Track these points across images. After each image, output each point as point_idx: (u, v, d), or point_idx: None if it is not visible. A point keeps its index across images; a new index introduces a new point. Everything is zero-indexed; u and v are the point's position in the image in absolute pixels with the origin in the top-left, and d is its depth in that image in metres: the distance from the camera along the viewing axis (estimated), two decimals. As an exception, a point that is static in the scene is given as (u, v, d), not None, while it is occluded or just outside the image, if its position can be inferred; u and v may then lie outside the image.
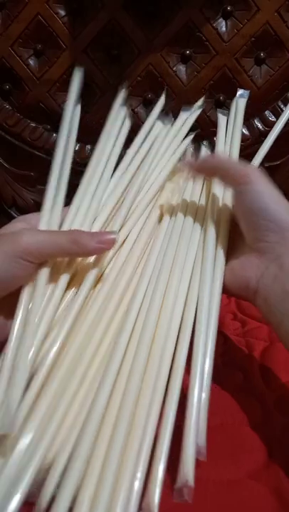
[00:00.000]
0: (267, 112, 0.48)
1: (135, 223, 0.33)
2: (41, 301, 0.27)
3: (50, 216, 0.31)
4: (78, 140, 0.49)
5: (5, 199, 0.50)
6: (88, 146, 0.49)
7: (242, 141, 0.49)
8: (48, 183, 0.32)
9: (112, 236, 0.28)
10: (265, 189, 0.29)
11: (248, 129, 0.48)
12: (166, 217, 0.34)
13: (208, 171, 0.33)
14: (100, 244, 0.28)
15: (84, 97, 0.47)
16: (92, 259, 0.29)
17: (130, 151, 0.37)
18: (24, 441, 0.21)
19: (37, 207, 0.51)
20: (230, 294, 0.31)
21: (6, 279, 0.26)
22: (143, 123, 0.47)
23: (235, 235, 0.32)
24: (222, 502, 0.24)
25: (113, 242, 0.28)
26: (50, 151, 0.48)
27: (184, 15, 0.43)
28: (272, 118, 0.48)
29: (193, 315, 0.28)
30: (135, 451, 0.21)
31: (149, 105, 0.47)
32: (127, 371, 0.24)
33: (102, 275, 0.30)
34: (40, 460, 0.21)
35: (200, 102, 0.42)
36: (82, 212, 0.32)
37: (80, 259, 0.29)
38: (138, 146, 0.37)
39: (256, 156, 0.39)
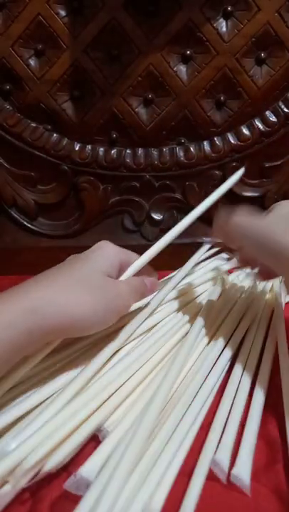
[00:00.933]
0: (267, 112, 0.48)
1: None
2: None
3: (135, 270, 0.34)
4: (78, 140, 0.49)
5: (5, 199, 0.50)
6: (89, 146, 0.49)
7: (242, 141, 0.49)
8: (149, 251, 0.35)
9: (154, 278, 0.35)
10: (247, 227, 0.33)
11: (249, 129, 0.49)
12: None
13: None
14: (151, 291, 0.34)
15: (84, 97, 0.47)
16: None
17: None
18: None
19: (37, 207, 0.51)
20: None
21: (100, 326, 0.29)
22: (143, 123, 0.47)
23: None
24: (222, 502, 0.24)
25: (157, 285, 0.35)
26: (50, 151, 0.48)
27: (184, 15, 0.43)
28: (272, 118, 0.48)
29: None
30: None
31: (149, 105, 0.47)
32: None
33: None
34: None
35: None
36: None
37: None
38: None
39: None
